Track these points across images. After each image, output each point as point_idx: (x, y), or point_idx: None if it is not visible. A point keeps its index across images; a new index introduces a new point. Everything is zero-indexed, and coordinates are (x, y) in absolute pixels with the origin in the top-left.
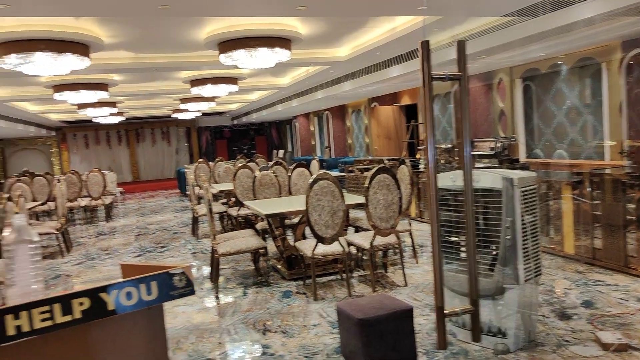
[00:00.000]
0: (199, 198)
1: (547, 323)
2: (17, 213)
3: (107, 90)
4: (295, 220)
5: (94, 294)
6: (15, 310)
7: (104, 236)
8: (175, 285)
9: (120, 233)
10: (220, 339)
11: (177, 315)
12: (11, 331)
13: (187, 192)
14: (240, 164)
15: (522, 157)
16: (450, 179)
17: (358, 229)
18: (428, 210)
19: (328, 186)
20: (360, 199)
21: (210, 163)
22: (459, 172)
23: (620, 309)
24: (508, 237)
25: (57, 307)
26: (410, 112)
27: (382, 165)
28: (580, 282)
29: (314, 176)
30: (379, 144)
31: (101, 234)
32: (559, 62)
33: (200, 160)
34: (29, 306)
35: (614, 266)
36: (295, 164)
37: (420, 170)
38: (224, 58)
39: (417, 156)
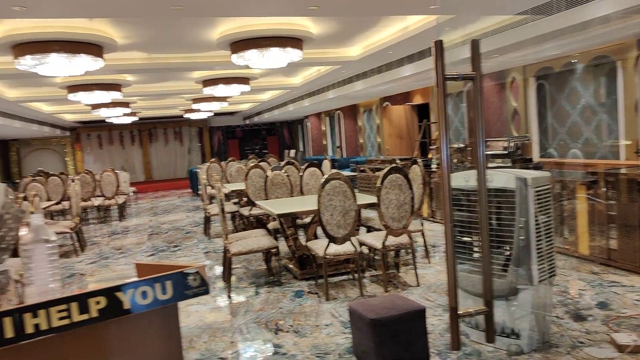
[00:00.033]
0: (211, 198)
1: (561, 324)
2: (32, 212)
3: (120, 90)
4: (307, 220)
5: (110, 293)
6: (34, 309)
7: (117, 235)
8: (190, 285)
9: (133, 232)
10: (233, 338)
11: (190, 314)
12: (30, 329)
13: (199, 192)
14: (252, 164)
15: (536, 156)
16: (463, 179)
17: (370, 229)
18: (440, 210)
19: (340, 186)
20: (372, 199)
21: (222, 163)
22: (471, 171)
23: (636, 310)
24: (522, 237)
25: (74, 306)
26: (422, 111)
27: (394, 165)
28: (595, 283)
29: (325, 176)
30: (391, 143)
31: (114, 233)
32: (573, 61)
33: (212, 160)
34: (46, 305)
35: (630, 267)
36: (307, 163)
37: (432, 169)
38: (236, 58)
39: (429, 156)
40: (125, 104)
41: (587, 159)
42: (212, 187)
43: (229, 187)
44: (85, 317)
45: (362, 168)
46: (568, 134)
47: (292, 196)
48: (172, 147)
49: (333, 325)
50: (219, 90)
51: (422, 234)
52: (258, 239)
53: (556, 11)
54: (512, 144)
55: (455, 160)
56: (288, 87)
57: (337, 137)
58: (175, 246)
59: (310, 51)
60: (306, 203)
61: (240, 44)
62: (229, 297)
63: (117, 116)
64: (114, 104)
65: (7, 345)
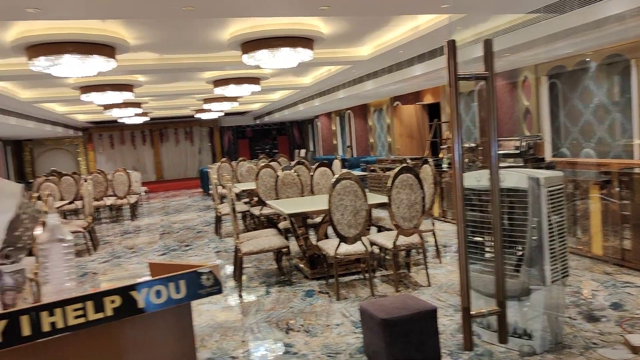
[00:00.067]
0: (222, 197)
1: (574, 325)
2: (46, 212)
3: (132, 91)
4: (318, 219)
5: (124, 292)
6: (50, 307)
7: (129, 235)
8: (203, 284)
9: (145, 232)
10: (244, 337)
11: (202, 313)
12: (46, 327)
13: (210, 192)
14: (263, 164)
15: (548, 156)
16: (475, 179)
17: (381, 229)
18: (451, 210)
19: (351, 186)
20: (383, 199)
21: (233, 162)
22: (483, 171)
23: None
24: (534, 237)
25: (89, 305)
26: (432, 110)
27: (405, 164)
28: (609, 284)
29: (336, 176)
30: (401, 143)
31: (126, 233)
32: (587, 59)
33: (223, 159)
34: (63, 303)
35: None
36: (317, 163)
37: (443, 169)
38: (247, 58)
39: (440, 155)
40: (137, 104)
41: (601, 158)
42: (223, 187)
43: (239, 187)
44: (100, 315)
45: (372, 168)
46: (581, 133)
47: (302, 196)
48: (183, 147)
49: (344, 325)
50: (230, 90)
51: (433, 234)
52: (269, 238)
53: (569, 9)
54: (524, 143)
55: (466, 160)
56: (298, 86)
57: (347, 137)
58: (187, 245)
59: (321, 51)
60: (317, 203)
61: (251, 44)
62: (240, 296)
63: (129, 116)
64: (126, 105)
65: (25, 343)
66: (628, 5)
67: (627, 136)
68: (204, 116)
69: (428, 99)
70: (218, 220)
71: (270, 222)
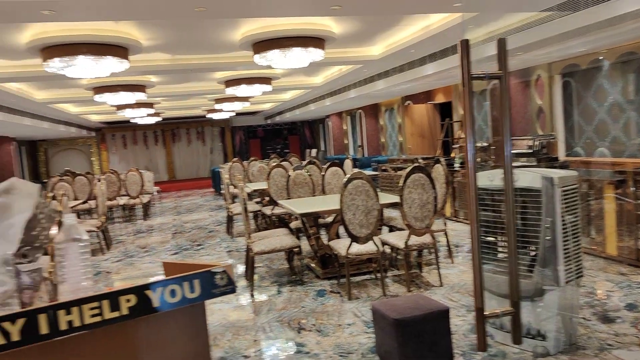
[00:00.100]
0: (234, 197)
1: (588, 326)
2: (60, 212)
3: (144, 91)
4: (329, 219)
5: (139, 291)
6: (67, 306)
7: (142, 234)
8: (217, 284)
9: (158, 231)
10: (256, 336)
11: (214, 312)
12: (63, 326)
13: (222, 191)
14: (274, 163)
15: (562, 155)
16: (488, 178)
17: (392, 229)
18: (463, 210)
19: (362, 185)
20: (395, 198)
21: (244, 162)
22: (496, 171)
23: None
24: (548, 237)
25: (105, 304)
26: (444, 110)
27: (416, 164)
28: (624, 284)
29: (348, 175)
30: (413, 142)
31: (139, 232)
32: (601, 58)
33: (235, 159)
34: (79, 302)
35: None
36: (328, 163)
37: (455, 169)
38: (258, 58)
39: (452, 155)
40: (149, 105)
41: (615, 157)
42: (235, 187)
43: (251, 187)
44: (116, 314)
45: (383, 167)
46: (595, 132)
47: (314, 195)
48: (194, 147)
49: (355, 325)
50: (241, 90)
51: (445, 234)
52: (280, 238)
53: (583, 7)
54: (537, 143)
55: (478, 160)
56: (309, 86)
57: (358, 136)
58: (199, 245)
59: (332, 50)
60: (328, 202)
61: (263, 44)
62: (252, 295)
63: (141, 117)
64: (139, 105)
65: (42, 341)
66: None
67: None
68: (215, 116)
69: (439, 98)
70: (230, 219)
71: (282, 221)
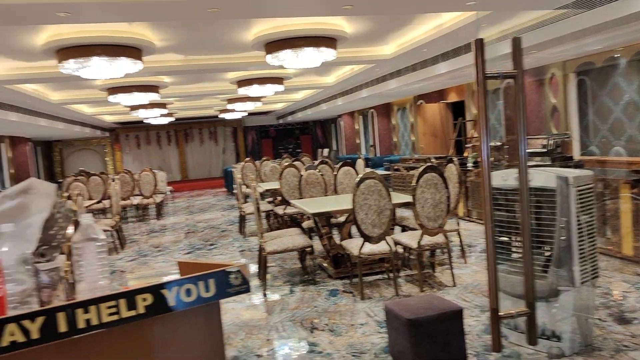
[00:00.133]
0: (246, 197)
1: (604, 327)
2: (76, 211)
3: (158, 92)
4: (342, 219)
5: (155, 290)
6: (85, 305)
7: (155, 233)
8: (232, 283)
9: (171, 230)
10: (269, 335)
11: (227, 311)
12: (81, 324)
13: (234, 191)
14: (287, 163)
15: (577, 154)
16: (501, 178)
17: (405, 228)
18: (476, 210)
19: (375, 185)
20: (408, 198)
21: (257, 162)
22: (509, 170)
23: None
24: (563, 237)
25: (122, 302)
26: (457, 109)
27: (429, 163)
28: None
29: (360, 175)
30: (425, 142)
31: (152, 232)
32: (616, 55)
33: (247, 159)
34: (97, 301)
35: None
36: (341, 162)
37: (468, 168)
38: (271, 58)
39: (465, 154)
40: (162, 105)
41: (631, 156)
42: (247, 186)
43: (263, 186)
44: (132, 313)
45: (396, 167)
46: (610, 131)
47: (326, 195)
48: (207, 147)
49: (368, 325)
50: (254, 90)
51: (458, 234)
52: (293, 237)
53: (599, 4)
54: (551, 142)
55: (492, 159)
56: (321, 86)
57: (370, 136)
58: (211, 244)
59: (344, 50)
60: (341, 202)
61: (275, 45)
62: (265, 295)
63: (155, 117)
64: (152, 105)
65: (61, 339)
66: None
67: None
68: (227, 116)
69: (452, 98)
70: (242, 219)
71: (294, 221)
